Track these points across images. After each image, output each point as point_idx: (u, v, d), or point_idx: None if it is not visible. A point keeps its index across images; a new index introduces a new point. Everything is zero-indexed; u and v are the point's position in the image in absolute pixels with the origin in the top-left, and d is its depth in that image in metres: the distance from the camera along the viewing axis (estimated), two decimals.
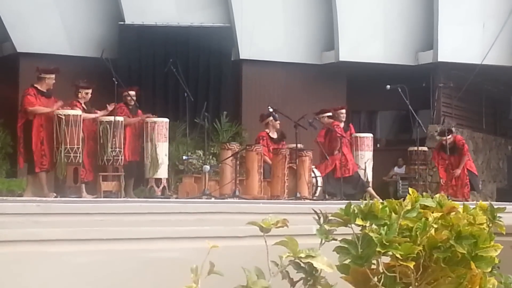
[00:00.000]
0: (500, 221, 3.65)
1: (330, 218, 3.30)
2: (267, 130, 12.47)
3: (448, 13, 17.46)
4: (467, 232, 3.20)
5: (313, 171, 11.95)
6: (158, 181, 11.33)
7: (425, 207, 3.36)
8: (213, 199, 9.95)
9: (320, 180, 12.13)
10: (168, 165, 11.71)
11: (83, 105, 10.84)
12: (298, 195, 11.07)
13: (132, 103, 11.71)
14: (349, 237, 3.21)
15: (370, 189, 12.93)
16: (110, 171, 10.83)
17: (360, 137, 13.40)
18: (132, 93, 11.83)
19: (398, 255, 3.10)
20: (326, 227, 3.29)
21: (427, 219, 3.25)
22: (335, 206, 3.56)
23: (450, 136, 14.11)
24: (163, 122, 11.44)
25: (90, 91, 10.97)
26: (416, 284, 3.21)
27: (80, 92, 10.90)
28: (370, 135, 13.80)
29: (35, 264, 3.36)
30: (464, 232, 3.19)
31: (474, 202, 3.97)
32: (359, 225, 3.21)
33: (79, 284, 3.42)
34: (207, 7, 17.26)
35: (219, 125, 16.64)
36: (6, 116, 15.38)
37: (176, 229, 3.95)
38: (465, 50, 17.62)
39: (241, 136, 16.66)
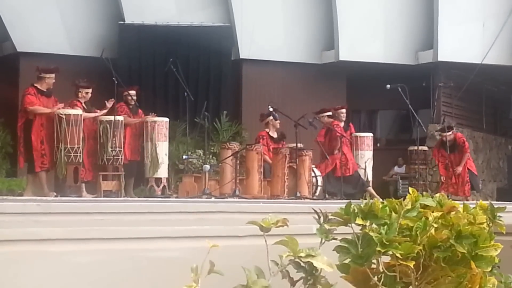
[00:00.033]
0: (500, 220, 3.65)
1: (330, 217, 3.30)
2: (267, 130, 12.47)
3: (448, 13, 17.46)
4: (467, 231, 3.20)
5: (313, 171, 11.95)
6: (158, 180, 11.32)
7: (425, 206, 3.36)
8: (213, 199, 9.95)
9: (320, 179, 12.13)
10: (168, 164, 11.71)
11: (83, 104, 10.84)
12: (298, 194, 11.07)
13: (133, 102, 11.70)
14: (349, 237, 3.21)
15: (370, 188, 12.93)
16: (110, 171, 10.83)
17: (360, 136, 13.40)
18: (133, 92, 11.83)
19: (398, 255, 3.10)
20: (326, 226, 3.29)
21: (427, 218, 3.25)
22: (335, 206, 3.56)
23: (450, 132, 14.11)
24: (163, 122, 11.43)
25: (90, 90, 10.96)
26: (416, 283, 3.21)
27: (80, 91, 10.89)
28: (370, 134, 13.80)
29: (35, 264, 3.36)
30: (464, 232, 3.20)
31: (474, 201, 3.97)
32: (359, 225, 3.21)
33: (79, 283, 3.42)
34: (207, 7, 17.26)
35: (219, 124, 16.64)
36: (6, 115, 15.38)
37: (176, 228, 3.96)
38: (465, 49, 17.62)
39: (241, 136, 16.66)
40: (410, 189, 3.43)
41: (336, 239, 3.25)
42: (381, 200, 3.36)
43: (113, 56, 15.02)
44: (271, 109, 12.38)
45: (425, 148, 15.29)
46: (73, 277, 3.42)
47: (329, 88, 17.77)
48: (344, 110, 13.13)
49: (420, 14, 17.88)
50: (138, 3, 16.86)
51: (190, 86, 13.81)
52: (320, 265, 3.15)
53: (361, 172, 12.92)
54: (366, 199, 3.27)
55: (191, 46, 16.93)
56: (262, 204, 5.99)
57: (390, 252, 3.13)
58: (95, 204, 4.76)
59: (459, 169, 13.94)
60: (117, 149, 10.71)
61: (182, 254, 3.61)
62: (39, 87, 10.37)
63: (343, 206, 3.27)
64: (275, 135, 12.46)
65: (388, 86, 12.76)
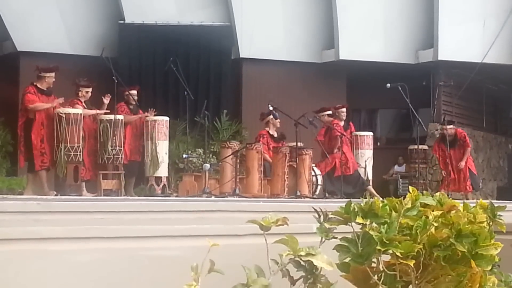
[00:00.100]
0: (501, 219, 3.66)
1: (330, 216, 3.31)
2: (267, 129, 12.46)
3: (448, 12, 17.45)
4: (467, 230, 3.20)
5: (313, 170, 11.95)
6: (158, 179, 11.32)
7: (425, 205, 3.36)
8: (213, 198, 9.95)
9: (320, 178, 12.12)
10: (168, 163, 11.71)
11: (83, 103, 10.84)
12: (298, 193, 11.06)
13: (134, 102, 11.70)
14: (349, 236, 3.21)
15: (370, 187, 12.93)
16: (111, 170, 10.83)
17: (360, 135, 13.39)
18: (134, 92, 11.82)
19: (398, 253, 3.10)
20: (326, 225, 3.29)
21: (427, 217, 3.25)
22: (335, 205, 3.56)
23: (451, 126, 14.11)
24: (163, 121, 11.43)
25: (90, 89, 10.97)
26: (416, 282, 3.21)
27: (80, 90, 10.90)
28: (370, 133, 13.79)
29: (36, 263, 3.36)
30: (464, 231, 3.20)
31: (475, 200, 3.97)
32: (359, 224, 3.21)
33: (79, 282, 3.42)
34: (207, 6, 17.26)
35: (219, 123, 16.65)
36: (6, 114, 15.39)
37: (176, 227, 3.95)
38: (465, 48, 17.62)
39: (241, 135, 16.66)
40: (410, 188, 3.44)
41: (336, 238, 3.26)
42: (381, 199, 3.36)
43: (113, 55, 15.03)
44: (271, 108, 12.37)
45: (425, 147, 15.27)
46: (74, 276, 3.42)
47: (329, 87, 17.77)
48: (344, 109, 13.12)
49: (420, 13, 17.88)
50: (138, 3, 16.86)
51: (190, 85, 13.81)
52: (320, 264, 3.15)
53: (361, 171, 12.91)
54: (366, 198, 3.27)
55: (191, 45, 16.94)
56: (262, 203, 5.99)
57: (390, 251, 3.13)
58: (95, 203, 4.75)
59: (462, 163, 13.89)
60: (117, 148, 10.71)
61: (182, 253, 3.61)
62: (39, 86, 10.37)
63: (343, 205, 3.28)
64: (275, 134, 12.45)
65: (388, 85, 12.75)
